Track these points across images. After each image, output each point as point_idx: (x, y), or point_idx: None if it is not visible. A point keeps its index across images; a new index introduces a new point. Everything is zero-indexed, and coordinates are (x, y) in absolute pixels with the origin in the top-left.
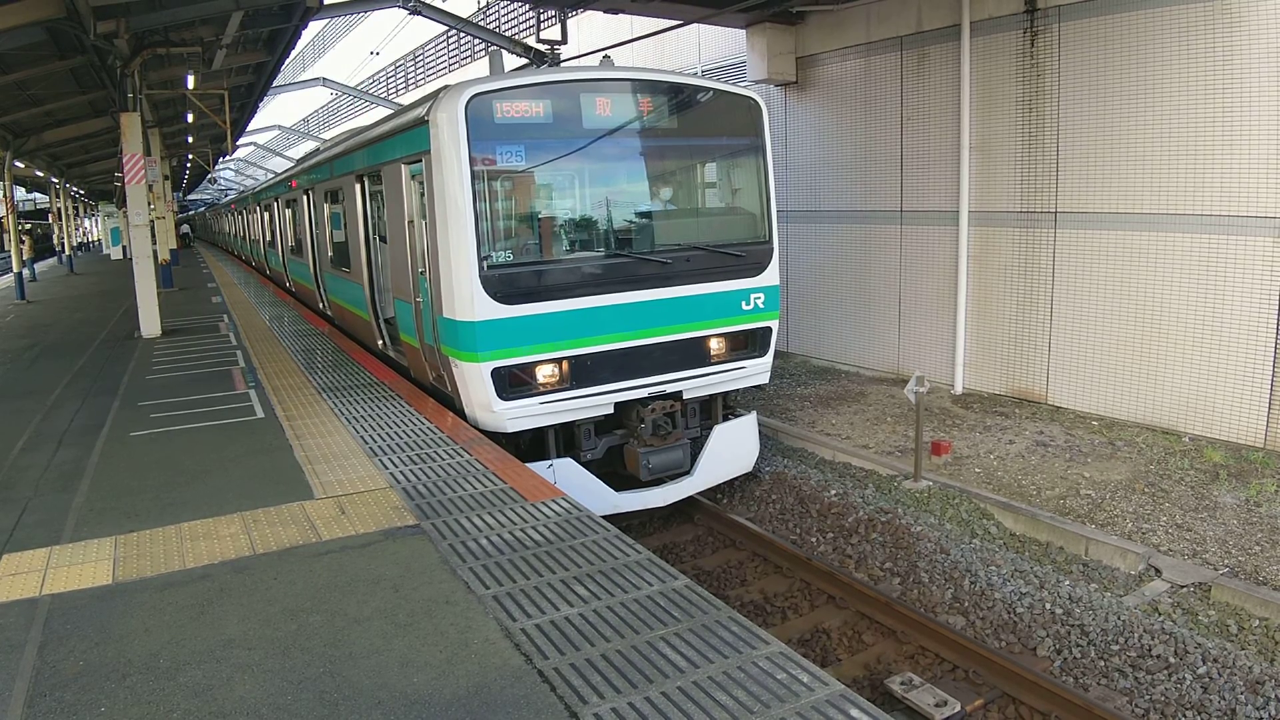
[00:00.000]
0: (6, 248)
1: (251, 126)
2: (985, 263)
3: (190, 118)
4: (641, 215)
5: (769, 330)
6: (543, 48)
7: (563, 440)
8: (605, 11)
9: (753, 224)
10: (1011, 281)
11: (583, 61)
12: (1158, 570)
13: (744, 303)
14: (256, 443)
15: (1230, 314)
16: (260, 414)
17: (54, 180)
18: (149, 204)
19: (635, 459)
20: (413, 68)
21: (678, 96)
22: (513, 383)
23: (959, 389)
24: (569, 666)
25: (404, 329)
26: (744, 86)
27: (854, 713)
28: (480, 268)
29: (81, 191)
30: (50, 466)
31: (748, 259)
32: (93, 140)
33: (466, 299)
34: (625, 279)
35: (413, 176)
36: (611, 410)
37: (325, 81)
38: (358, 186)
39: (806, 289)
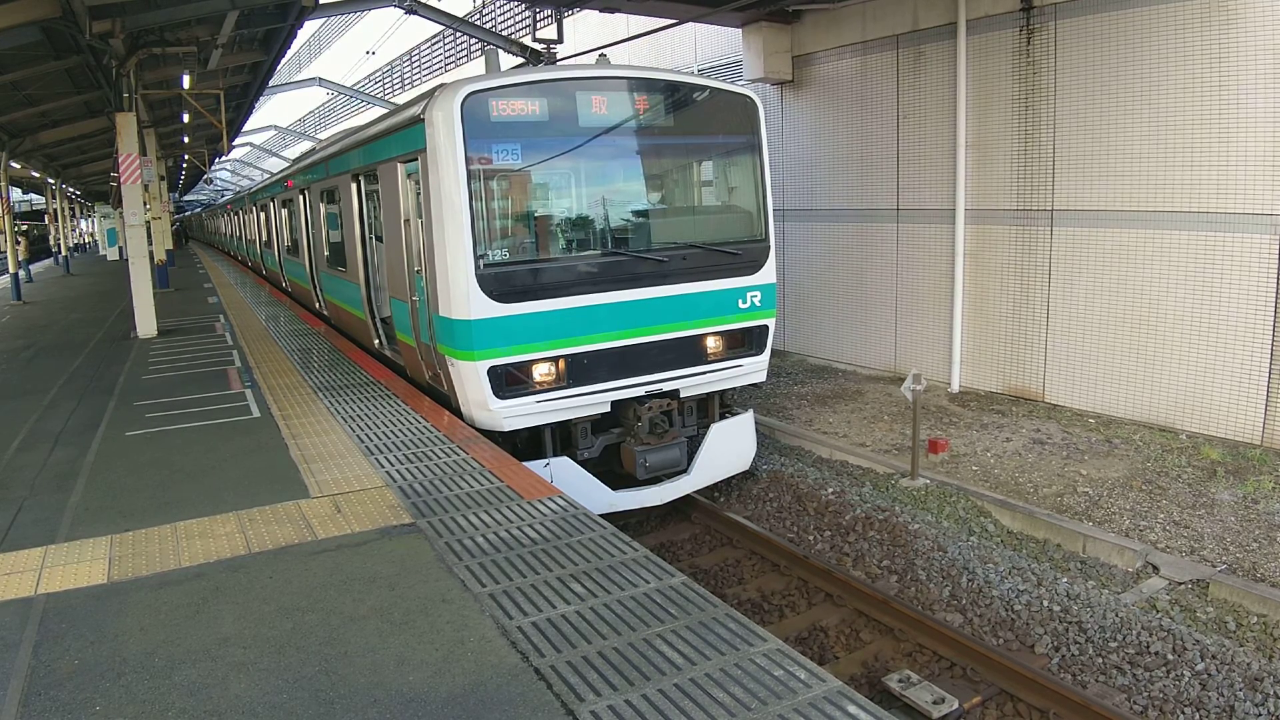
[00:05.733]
0: (2, 249)
1: (247, 127)
2: (981, 261)
3: (186, 118)
4: (638, 213)
5: (765, 328)
6: (539, 47)
7: (559, 439)
8: (601, 10)
9: (749, 222)
10: (1008, 279)
11: (579, 60)
12: (1155, 567)
13: (740, 301)
14: (252, 442)
15: (1227, 311)
16: (256, 413)
17: (50, 181)
18: (145, 204)
19: (632, 457)
20: (409, 67)
21: (674, 95)
22: (509, 381)
23: (955, 387)
24: (565, 664)
25: (400, 328)
26: (740, 85)
27: (851, 709)
28: (476, 266)
29: (77, 192)
30: (46, 466)
31: (744, 257)
32: (88, 141)
33: (462, 297)
34: (622, 277)
35: (408, 175)
36: (608, 409)
37: (321, 81)
38: (353, 186)
39: (803, 287)
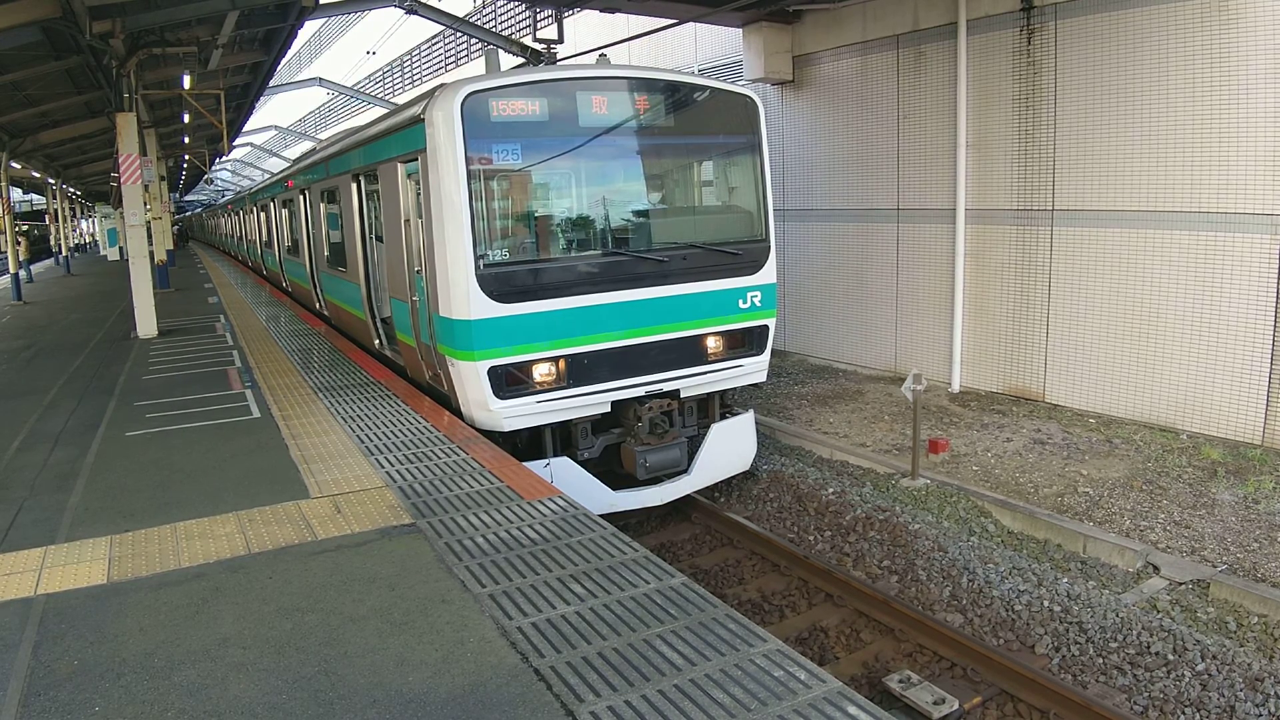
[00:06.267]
0: (3, 249)
1: (248, 127)
2: (982, 261)
3: (186, 118)
4: (638, 213)
5: (766, 328)
6: (539, 47)
7: (560, 439)
8: (601, 10)
9: (749, 222)
10: (1008, 279)
11: (579, 60)
12: (1156, 567)
13: (741, 301)
14: (252, 442)
15: (1227, 311)
16: (256, 413)
17: (50, 181)
18: (145, 204)
19: (632, 458)
20: (409, 67)
21: (674, 95)
22: (509, 381)
23: (956, 387)
24: (565, 665)
25: (400, 328)
26: (740, 85)
27: (852, 710)
28: (476, 266)
29: (78, 192)
30: (46, 466)
31: (744, 257)
32: (89, 141)
33: (463, 297)
34: (622, 277)
35: (409, 175)
36: (608, 409)
37: (321, 81)
38: (354, 186)
39: (804, 287)
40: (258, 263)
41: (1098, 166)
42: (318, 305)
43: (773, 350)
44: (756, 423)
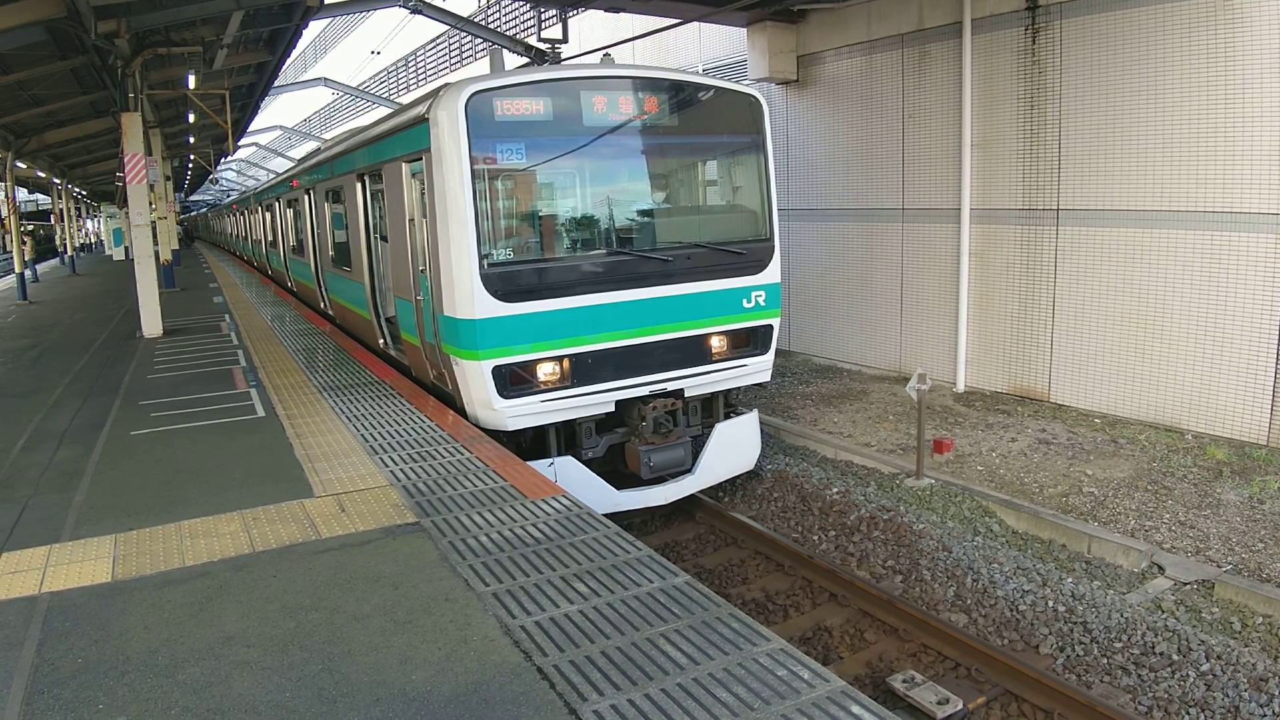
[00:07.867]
0: (9, 249)
1: (253, 127)
2: (987, 260)
3: (191, 118)
4: (642, 213)
5: (770, 328)
6: (544, 47)
7: (564, 438)
8: (606, 10)
9: (754, 221)
10: (1013, 279)
11: (583, 60)
12: (1161, 568)
13: (745, 300)
14: (256, 441)
15: (1233, 311)
16: (261, 413)
17: (55, 181)
18: (150, 204)
19: (636, 457)
20: (414, 67)
21: (678, 94)
22: (513, 381)
23: (961, 387)
24: (568, 664)
25: (405, 327)
26: (745, 84)
27: (855, 710)
28: (480, 266)
29: (83, 192)
30: (51, 465)
31: (749, 257)
32: (94, 141)
33: (467, 297)
34: (626, 277)
35: (413, 175)
36: (612, 408)
37: (326, 82)
38: (358, 185)
39: (808, 287)
40: (263, 262)
41: (1102, 165)
42: (322, 305)
43: (777, 350)
44: (761, 422)
